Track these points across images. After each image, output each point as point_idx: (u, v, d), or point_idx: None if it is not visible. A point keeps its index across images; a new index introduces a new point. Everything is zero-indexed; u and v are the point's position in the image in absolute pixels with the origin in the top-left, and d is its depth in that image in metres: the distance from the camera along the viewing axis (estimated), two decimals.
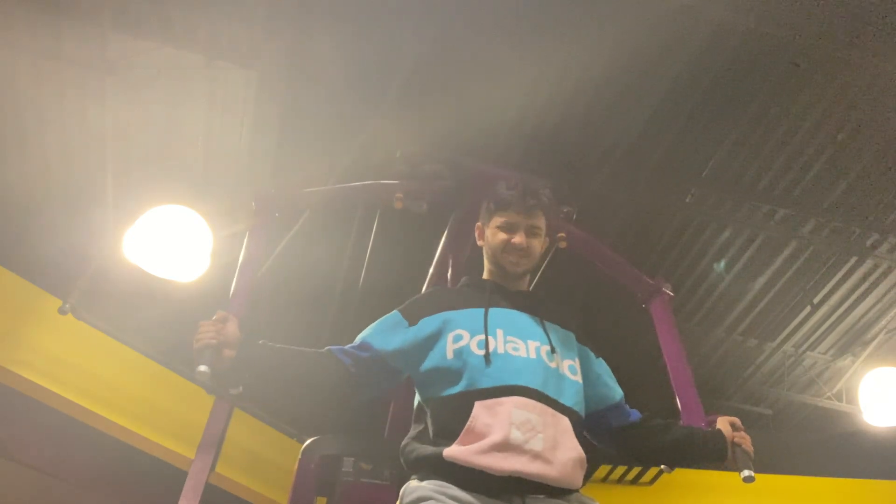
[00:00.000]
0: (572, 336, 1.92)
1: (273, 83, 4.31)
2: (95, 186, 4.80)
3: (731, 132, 4.59)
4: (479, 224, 2.06)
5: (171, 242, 4.28)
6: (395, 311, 1.87)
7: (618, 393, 1.91)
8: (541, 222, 1.97)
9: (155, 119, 4.53)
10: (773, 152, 4.71)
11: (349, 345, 1.80)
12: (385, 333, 1.81)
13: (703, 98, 4.37)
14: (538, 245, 1.97)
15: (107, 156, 4.64)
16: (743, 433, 1.85)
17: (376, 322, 1.86)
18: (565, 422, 1.69)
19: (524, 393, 1.66)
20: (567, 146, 4.57)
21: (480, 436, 1.59)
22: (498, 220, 1.96)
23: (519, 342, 1.76)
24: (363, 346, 1.78)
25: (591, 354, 1.94)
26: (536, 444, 1.59)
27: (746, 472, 1.77)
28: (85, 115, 4.50)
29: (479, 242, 2.06)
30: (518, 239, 1.91)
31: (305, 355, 1.75)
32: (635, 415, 1.91)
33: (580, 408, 1.77)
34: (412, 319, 1.83)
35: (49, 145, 4.73)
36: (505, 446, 1.56)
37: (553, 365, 1.76)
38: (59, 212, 5.06)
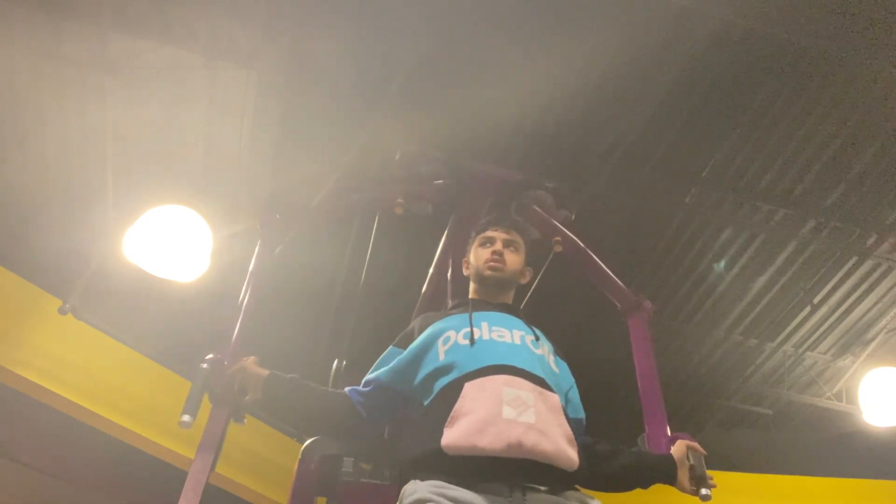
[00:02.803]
0: (553, 347, 1.98)
1: (273, 83, 4.32)
2: (95, 186, 4.80)
3: (731, 132, 4.59)
4: (465, 259, 2.23)
5: (171, 242, 4.29)
6: (390, 347, 1.99)
7: (583, 411, 1.93)
8: (518, 239, 2.15)
9: (155, 119, 4.52)
10: (772, 152, 4.71)
11: (360, 386, 1.93)
12: (384, 364, 1.93)
13: (703, 98, 4.38)
14: (515, 259, 2.11)
15: (107, 156, 4.63)
16: (700, 454, 1.90)
17: (377, 361, 1.97)
18: (555, 399, 1.73)
19: (512, 372, 1.71)
20: (567, 146, 4.57)
21: (472, 412, 1.61)
22: (479, 241, 2.17)
23: (504, 331, 1.86)
24: (367, 382, 1.92)
25: (569, 370, 1.98)
26: (529, 418, 1.61)
27: (704, 491, 1.85)
28: (85, 115, 4.50)
29: (466, 272, 2.21)
30: (496, 246, 2.10)
31: (324, 396, 1.94)
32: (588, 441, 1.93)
33: (563, 397, 1.81)
34: (405, 346, 1.93)
35: (49, 145, 4.72)
36: (498, 421, 1.59)
37: (539, 352, 1.84)
38: (59, 212, 5.05)
